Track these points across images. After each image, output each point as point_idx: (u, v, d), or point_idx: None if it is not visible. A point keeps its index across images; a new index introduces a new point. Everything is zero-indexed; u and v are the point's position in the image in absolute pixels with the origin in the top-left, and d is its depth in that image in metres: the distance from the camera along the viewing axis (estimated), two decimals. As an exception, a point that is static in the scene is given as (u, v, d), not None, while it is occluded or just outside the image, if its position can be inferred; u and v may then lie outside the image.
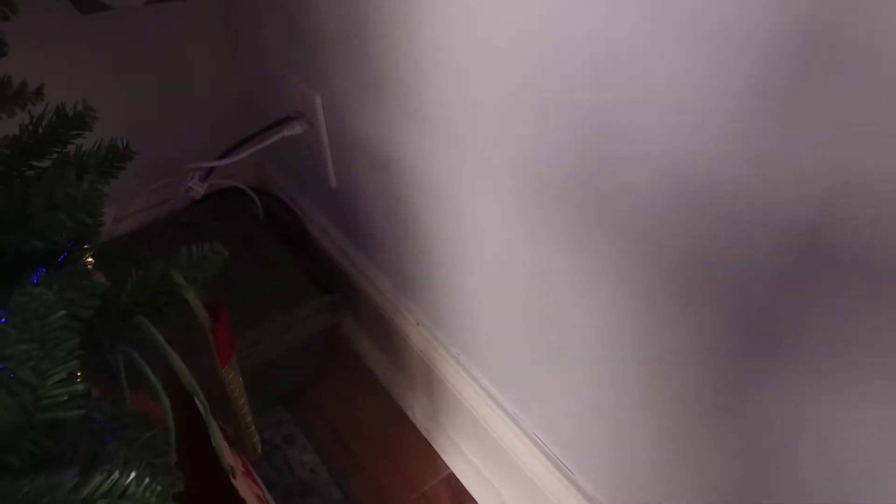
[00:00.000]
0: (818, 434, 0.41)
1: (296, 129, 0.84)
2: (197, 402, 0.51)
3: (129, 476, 0.35)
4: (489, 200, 0.61)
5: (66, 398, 0.37)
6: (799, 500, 0.45)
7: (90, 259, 0.55)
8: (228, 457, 0.54)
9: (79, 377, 0.37)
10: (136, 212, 1.04)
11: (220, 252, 0.59)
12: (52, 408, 0.37)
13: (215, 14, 0.95)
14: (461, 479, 0.88)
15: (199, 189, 0.89)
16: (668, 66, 0.38)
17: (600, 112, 0.44)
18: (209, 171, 0.91)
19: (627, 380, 0.56)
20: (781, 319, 0.39)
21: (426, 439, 0.92)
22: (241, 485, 0.56)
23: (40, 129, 0.52)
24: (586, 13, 0.42)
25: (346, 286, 0.97)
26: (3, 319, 0.35)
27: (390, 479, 0.88)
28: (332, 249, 1.00)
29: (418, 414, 0.94)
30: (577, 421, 0.66)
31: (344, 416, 0.95)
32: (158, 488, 0.35)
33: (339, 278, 0.98)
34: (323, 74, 0.78)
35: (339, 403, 0.97)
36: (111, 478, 0.35)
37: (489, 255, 0.65)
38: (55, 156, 0.52)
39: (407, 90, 0.63)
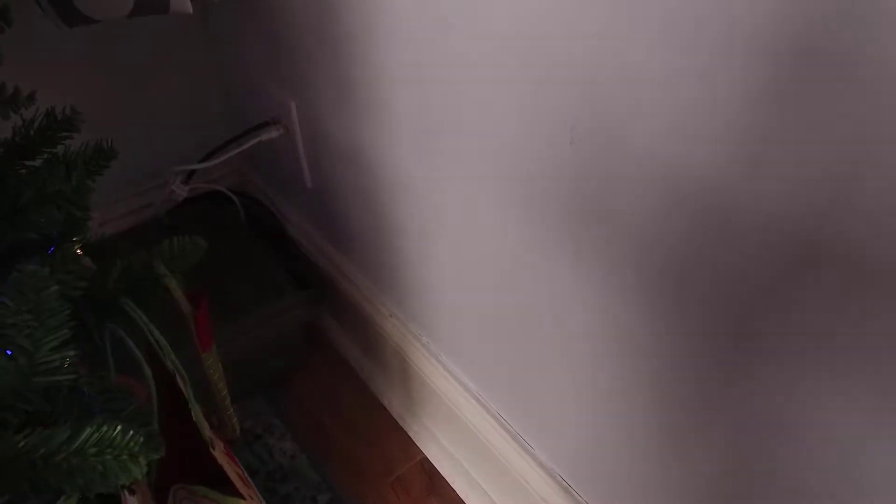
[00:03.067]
0: (799, 427, 0.44)
1: (273, 134, 0.89)
2: (178, 377, 0.56)
3: (115, 428, 0.39)
4: (455, 194, 0.66)
5: (58, 364, 0.41)
6: (784, 490, 0.48)
7: (78, 251, 0.60)
8: (207, 432, 0.59)
9: (70, 347, 0.42)
10: (121, 215, 1.09)
11: (198, 244, 0.64)
12: (46, 372, 0.41)
13: (197, 24, 1.01)
14: (434, 463, 0.93)
15: (182, 191, 0.94)
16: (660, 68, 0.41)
17: (553, 105, 0.50)
18: (191, 174, 0.96)
19: (593, 363, 0.61)
20: (763, 317, 0.42)
21: (401, 426, 0.97)
22: (221, 458, 0.60)
23: (31, 131, 0.57)
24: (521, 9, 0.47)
25: (323, 282, 1.02)
26: (2, 299, 0.40)
27: (367, 464, 0.93)
28: (310, 247, 1.04)
29: (393, 403, 0.98)
30: (541, 401, 0.71)
31: (322, 406, 1.00)
32: (141, 439, 0.39)
33: (316, 274, 1.03)
34: (297, 82, 0.84)
35: (318, 394, 1.01)
36: (101, 430, 0.39)
37: (456, 248, 0.71)
38: (46, 155, 0.57)
39: (372, 93, 0.69)
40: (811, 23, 0.32)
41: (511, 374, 0.73)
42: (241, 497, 0.57)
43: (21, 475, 0.39)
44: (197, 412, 0.55)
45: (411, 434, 0.96)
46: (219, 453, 0.59)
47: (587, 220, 0.51)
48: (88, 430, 0.39)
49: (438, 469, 0.92)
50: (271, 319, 0.95)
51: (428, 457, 0.94)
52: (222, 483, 0.59)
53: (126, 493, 0.50)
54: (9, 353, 0.42)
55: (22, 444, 0.40)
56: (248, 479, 0.71)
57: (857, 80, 0.31)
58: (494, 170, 0.58)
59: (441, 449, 0.92)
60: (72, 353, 0.41)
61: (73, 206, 0.54)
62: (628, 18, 0.40)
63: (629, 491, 0.65)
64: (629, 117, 0.44)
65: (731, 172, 0.39)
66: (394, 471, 0.92)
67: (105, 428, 0.39)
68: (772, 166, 0.37)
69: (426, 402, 0.91)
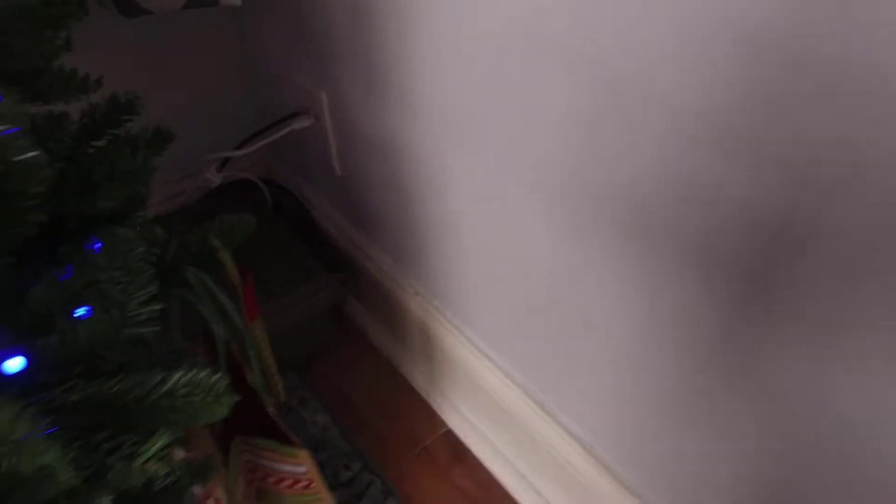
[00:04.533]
0: (817, 393, 0.48)
1: (304, 123, 0.94)
2: (239, 341, 0.61)
3: (204, 371, 0.44)
4: (477, 178, 0.71)
5: (145, 317, 0.46)
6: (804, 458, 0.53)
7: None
8: (264, 392, 0.64)
9: (156, 302, 0.46)
10: (154, 204, 1.13)
11: (248, 221, 0.69)
12: (135, 325, 0.46)
13: (228, 16, 1.05)
14: (458, 434, 0.97)
15: (216, 179, 0.99)
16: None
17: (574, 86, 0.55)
18: (225, 162, 1.01)
19: (612, 331, 0.66)
20: (776, 282, 0.47)
21: (425, 401, 1.02)
22: (275, 416, 0.65)
23: (97, 115, 0.62)
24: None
25: (349, 264, 1.07)
26: (97, 247, 0.45)
27: (394, 437, 0.98)
28: (336, 233, 1.09)
29: (418, 378, 1.03)
30: (566, 368, 0.76)
31: (349, 383, 1.05)
32: (227, 381, 0.44)
33: (343, 259, 1.08)
34: (328, 73, 0.88)
35: (346, 372, 1.06)
36: (190, 373, 0.44)
37: (479, 227, 0.75)
38: (110, 137, 0.62)
39: (403, 83, 0.74)
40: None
41: (536, 345, 0.78)
42: (299, 447, 0.62)
43: (115, 417, 0.44)
44: (255, 372, 0.60)
45: (435, 407, 1.01)
46: (273, 412, 0.64)
47: (613, 200, 0.56)
48: (179, 373, 0.44)
49: (462, 440, 0.97)
50: (302, 301, 0.99)
51: (452, 428, 0.98)
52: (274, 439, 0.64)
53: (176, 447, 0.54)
54: (88, 312, 0.47)
55: (116, 388, 0.45)
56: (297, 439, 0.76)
57: None
58: (523, 156, 0.63)
59: (464, 420, 0.97)
60: (158, 306, 0.46)
61: (139, 184, 0.59)
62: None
63: (656, 455, 0.69)
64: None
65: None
66: (420, 442, 0.97)
67: (195, 371, 0.44)
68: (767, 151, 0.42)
69: (449, 376, 0.96)
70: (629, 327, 0.63)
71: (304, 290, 1.00)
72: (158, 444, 0.43)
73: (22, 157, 0.40)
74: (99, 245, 0.46)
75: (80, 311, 0.47)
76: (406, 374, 1.05)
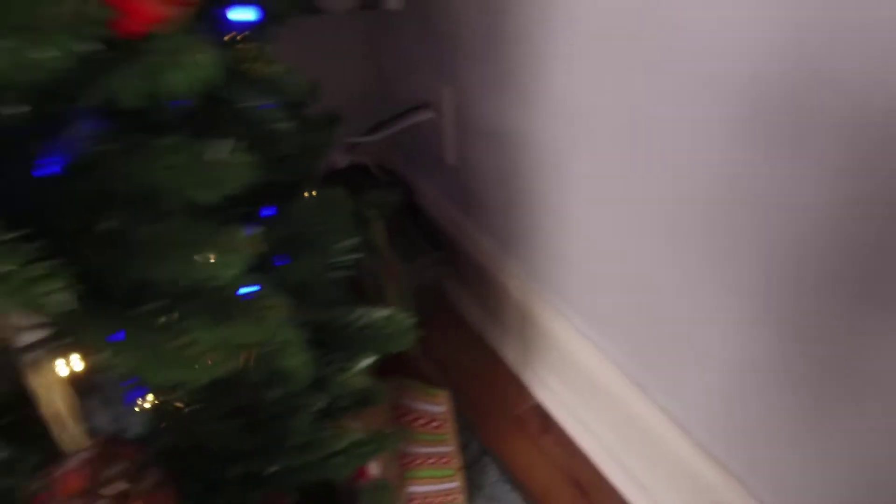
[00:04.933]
0: None
1: (426, 116, 1.04)
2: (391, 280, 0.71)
3: (396, 310, 0.54)
4: (598, 178, 0.79)
5: (348, 263, 0.57)
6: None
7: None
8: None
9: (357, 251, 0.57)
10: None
11: (392, 197, 0.80)
12: (338, 269, 0.57)
13: (358, 14, 1.16)
14: (547, 407, 1.06)
15: (343, 161, 1.10)
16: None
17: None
18: (354, 146, 1.12)
19: (727, 316, 0.74)
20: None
21: (516, 375, 1.11)
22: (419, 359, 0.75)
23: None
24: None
25: (451, 246, 1.16)
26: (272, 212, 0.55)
27: (488, 404, 1.07)
28: (440, 216, 1.19)
29: (509, 354, 1.12)
30: (666, 349, 0.83)
31: (445, 354, 1.14)
32: (413, 321, 0.54)
33: (444, 240, 1.17)
34: (453, 70, 0.98)
35: (443, 347, 1.16)
36: (386, 311, 0.54)
37: (594, 222, 0.84)
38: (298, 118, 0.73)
39: (532, 81, 0.82)
40: None
41: (636, 328, 0.86)
42: (440, 388, 0.71)
43: (330, 339, 0.54)
44: (403, 299, 0.70)
45: (525, 381, 1.10)
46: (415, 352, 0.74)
47: (734, 205, 0.64)
48: (378, 312, 0.54)
49: (551, 412, 1.05)
50: (410, 275, 1.10)
51: (541, 401, 1.07)
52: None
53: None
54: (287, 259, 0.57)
55: (325, 318, 0.55)
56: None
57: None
58: (651, 166, 0.71)
59: (554, 394, 1.05)
60: (358, 255, 0.56)
61: (319, 158, 0.70)
62: None
63: (755, 439, 0.76)
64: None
65: None
66: (512, 411, 1.06)
67: (389, 310, 0.54)
68: None
69: (542, 353, 1.04)
70: (744, 322, 0.70)
71: (412, 265, 1.10)
72: (361, 363, 0.53)
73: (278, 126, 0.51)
74: (274, 211, 0.55)
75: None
76: (497, 348, 1.14)
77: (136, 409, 0.43)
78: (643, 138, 0.71)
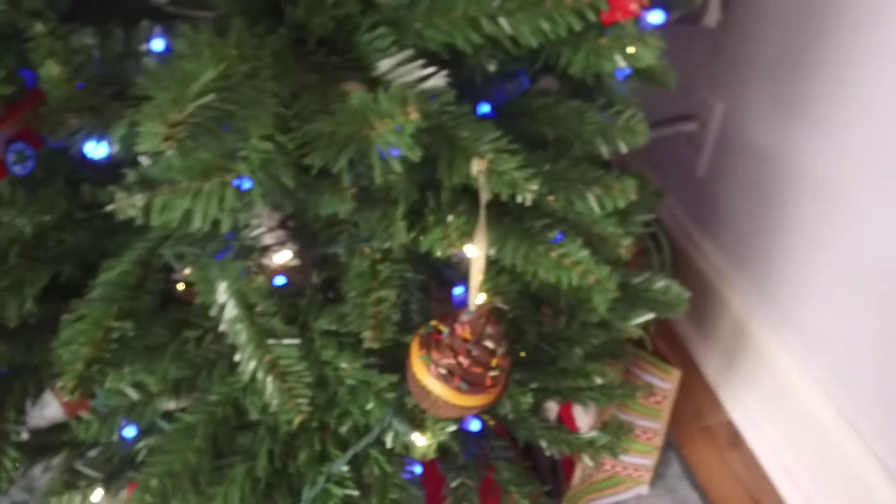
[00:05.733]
0: None
1: (689, 127, 1.10)
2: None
3: (673, 282, 0.63)
4: (867, 205, 0.81)
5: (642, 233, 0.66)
6: None
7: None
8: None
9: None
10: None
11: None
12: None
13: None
14: (739, 426, 1.09)
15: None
16: None
17: None
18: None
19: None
20: None
21: (712, 389, 1.15)
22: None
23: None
24: None
25: (674, 251, 1.22)
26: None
27: (679, 408, 1.12)
28: (671, 222, 1.25)
29: (709, 366, 1.16)
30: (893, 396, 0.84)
31: (647, 352, 1.21)
32: (688, 294, 0.62)
33: (671, 244, 1.23)
34: (731, 85, 1.03)
35: (644, 341, 1.23)
36: (667, 280, 0.63)
37: (853, 250, 0.86)
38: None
39: (827, 107, 0.86)
40: None
41: (868, 371, 0.87)
42: (674, 366, 0.79)
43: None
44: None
45: (721, 396, 1.13)
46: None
47: None
48: (660, 280, 0.63)
49: (742, 432, 1.08)
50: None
51: (734, 420, 1.10)
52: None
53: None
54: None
55: (620, 273, 0.66)
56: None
57: None
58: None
59: (749, 414, 1.08)
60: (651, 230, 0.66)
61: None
62: None
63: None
64: None
65: None
66: (702, 421, 1.11)
67: (669, 281, 0.63)
68: None
69: (748, 372, 1.07)
70: None
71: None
72: (640, 317, 0.62)
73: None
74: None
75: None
76: (698, 359, 1.19)
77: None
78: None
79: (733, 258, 1.11)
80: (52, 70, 0.38)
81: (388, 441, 0.54)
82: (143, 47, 0.46)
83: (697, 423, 1.10)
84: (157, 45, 0.46)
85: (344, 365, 0.54)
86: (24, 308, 0.45)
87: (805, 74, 0.88)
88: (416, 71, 0.41)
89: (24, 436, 0.54)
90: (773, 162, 0.97)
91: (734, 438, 1.08)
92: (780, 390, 1.00)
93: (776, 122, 0.96)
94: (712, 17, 0.86)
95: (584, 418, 0.86)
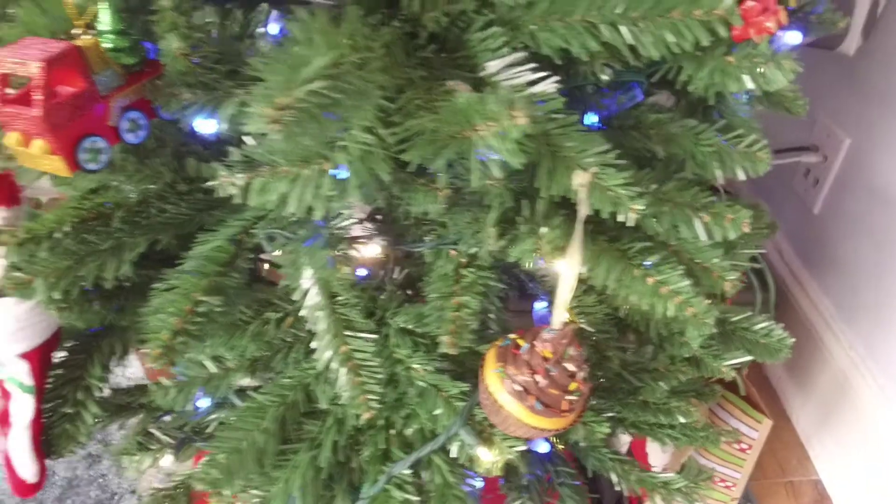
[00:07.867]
0: None
1: (810, 159, 1.03)
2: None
3: (776, 325, 0.58)
4: None
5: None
6: None
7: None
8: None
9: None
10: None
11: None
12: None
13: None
14: (826, 486, 1.00)
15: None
16: None
17: None
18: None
19: None
20: None
21: (801, 443, 1.06)
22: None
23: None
24: None
25: (778, 290, 1.14)
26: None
27: (765, 460, 1.05)
28: (776, 257, 1.17)
29: (801, 419, 1.08)
30: None
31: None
32: (791, 340, 0.57)
33: (775, 282, 1.15)
34: (862, 120, 0.95)
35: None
36: (770, 322, 0.58)
37: None
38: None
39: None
40: None
41: None
42: (766, 416, 0.74)
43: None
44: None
45: (811, 453, 1.05)
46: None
47: None
48: (761, 322, 0.58)
49: (830, 493, 1.00)
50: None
51: (822, 479, 1.02)
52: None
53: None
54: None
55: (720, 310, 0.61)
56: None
57: None
58: None
59: (839, 474, 0.99)
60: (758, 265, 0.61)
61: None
62: None
63: None
64: None
65: None
66: (787, 476, 1.03)
67: (772, 323, 0.58)
68: None
69: (844, 429, 0.98)
70: None
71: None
72: (736, 358, 0.58)
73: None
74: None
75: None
76: (790, 409, 1.10)
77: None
78: None
79: (842, 305, 1.02)
80: (172, 44, 0.39)
81: (454, 450, 0.52)
82: (260, 29, 0.46)
83: (782, 477, 1.02)
84: (273, 28, 0.47)
85: (416, 365, 0.53)
86: (121, 271, 0.47)
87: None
88: (525, 74, 0.40)
89: (106, 392, 0.57)
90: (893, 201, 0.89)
91: (821, 500, 1.00)
92: (879, 456, 0.91)
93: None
94: (851, 43, 0.79)
95: (658, 455, 0.82)
